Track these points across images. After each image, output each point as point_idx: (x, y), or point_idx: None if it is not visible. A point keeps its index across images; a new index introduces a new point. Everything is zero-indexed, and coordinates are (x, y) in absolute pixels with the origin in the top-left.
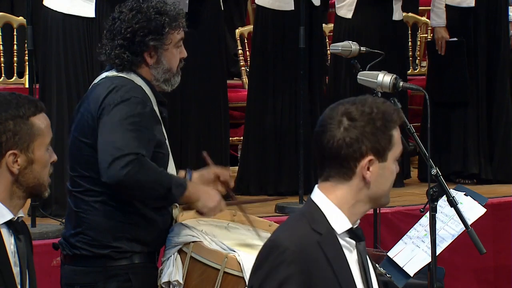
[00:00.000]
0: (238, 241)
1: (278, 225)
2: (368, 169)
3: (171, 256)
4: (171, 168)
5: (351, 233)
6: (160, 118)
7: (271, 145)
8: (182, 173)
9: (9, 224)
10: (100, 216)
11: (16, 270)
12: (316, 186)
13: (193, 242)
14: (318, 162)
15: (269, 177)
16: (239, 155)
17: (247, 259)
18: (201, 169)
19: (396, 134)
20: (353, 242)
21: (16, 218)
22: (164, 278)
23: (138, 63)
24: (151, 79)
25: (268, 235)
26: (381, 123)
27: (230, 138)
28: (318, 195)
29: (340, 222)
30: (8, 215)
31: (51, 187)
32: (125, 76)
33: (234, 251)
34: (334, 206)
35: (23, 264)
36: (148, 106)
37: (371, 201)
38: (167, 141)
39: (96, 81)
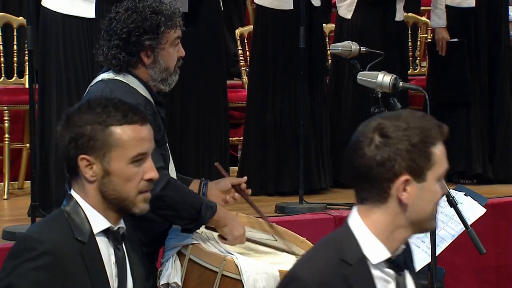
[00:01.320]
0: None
1: (280, 227)
2: (404, 190)
3: (170, 258)
4: (171, 169)
5: (390, 263)
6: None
7: (271, 145)
8: (197, 182)
9: (107, 233)
10: None
11: (116, 282)
12: (354, 208)
13: (191, 244)
14: (351, 183)
15: (269, 177)
16: (239, 155)
17: (245, 262)
18: (217, 180)
19: (438, 151)
20: (393, 273)
21: (116, 228)
22: (163, 280)
23: (135, 63)
24: (148, 79)
25: (268, 236)
26: (418, 139)
27: (230, 138)
28: (354, 219)
29: (376, 251)
30: (104, 223)
31: (52, 188)
32: (120, 79)
33: (232, 254)
34: (369, 233)
35: (122, 276)
36: (148, 110)
37: (413, 226)
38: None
39: (92, 83)
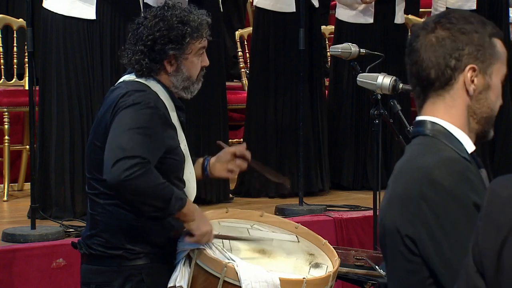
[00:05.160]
0: (256, 245)
1: (304, 227)
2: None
3: (180, 260)
4: (189, 172)
5: (474, 157)
6: (175, 123)
7: (271, 147)
8: (200, 160)
9: (472, 156)
10: (113, 218)
11: None
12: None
13: (197, 249)
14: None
15: (269, 178)
16: None
17: (244, 270)
18: (217, 154)
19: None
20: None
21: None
22: (170, 283)
23: (157, 70)
24: (170, 86)
25: (291, 237)
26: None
27: (230, 140)
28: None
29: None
30: (472, 146)
31: (52, 189)
32: (142, 81)
33: (234, 261)
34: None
35: None
36: (160, 111)
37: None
38: (184, 146)
39: (115, 85)
